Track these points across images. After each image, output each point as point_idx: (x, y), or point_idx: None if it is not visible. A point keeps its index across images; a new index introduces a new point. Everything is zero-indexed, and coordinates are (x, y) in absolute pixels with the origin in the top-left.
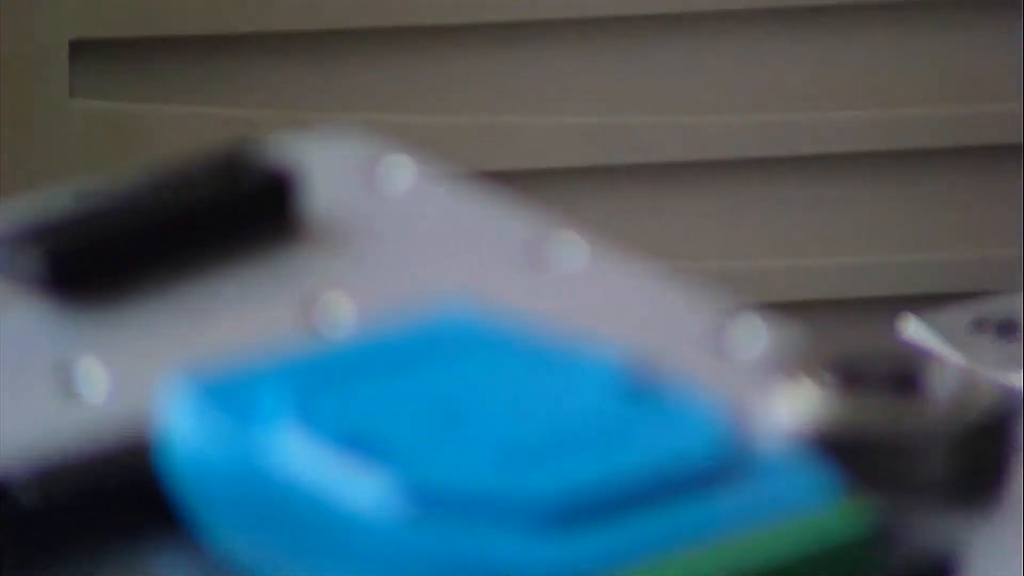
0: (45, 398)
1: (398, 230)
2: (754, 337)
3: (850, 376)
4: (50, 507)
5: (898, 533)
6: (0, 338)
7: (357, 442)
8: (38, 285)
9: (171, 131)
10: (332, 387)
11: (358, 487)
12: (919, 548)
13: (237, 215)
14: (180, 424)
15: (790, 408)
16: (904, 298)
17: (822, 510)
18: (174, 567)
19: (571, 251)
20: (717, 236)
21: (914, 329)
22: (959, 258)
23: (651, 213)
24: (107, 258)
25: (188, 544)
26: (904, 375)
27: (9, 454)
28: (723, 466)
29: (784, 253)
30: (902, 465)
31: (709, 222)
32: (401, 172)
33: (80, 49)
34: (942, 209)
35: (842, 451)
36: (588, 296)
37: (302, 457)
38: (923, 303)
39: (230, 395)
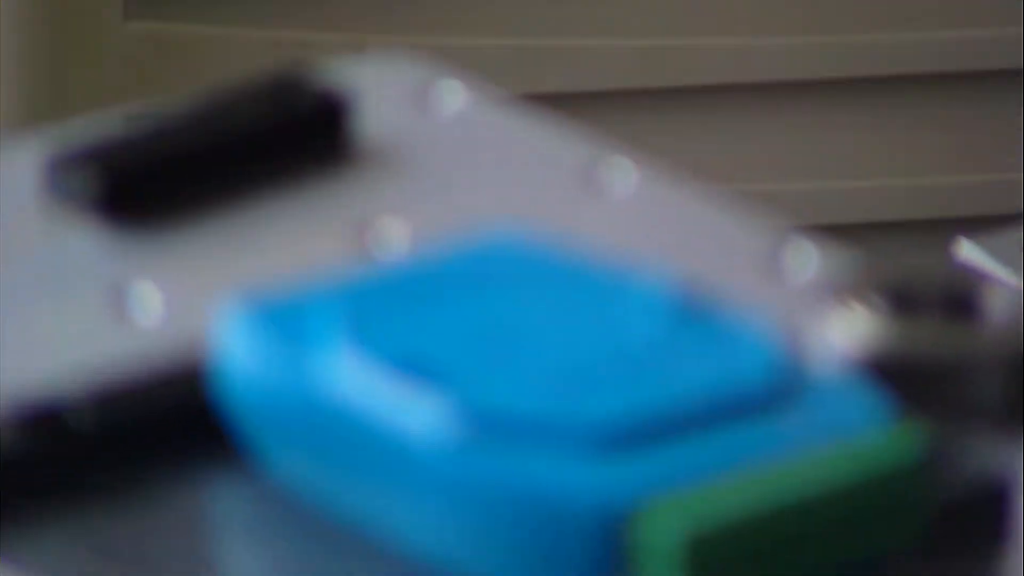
0: (99, 322)
1: (451, 154)
2: (807, 261)
3: (903, 300)
4: (104, 431)
5: (951, 457)
6: (55, 261)
7: (411, 366)
8: (93, 208)
9: (224, 53)
10: (386, 311)
11: (412, 410)
12: (973, 472)
13: (290, 139)
14: (234, 348)
15: (843, 333)
16: (957, 220)
17: (875, 434)
18: (228, 491)
19: (623, 175)
20: (766, 158)
21: (967, 251)
22: (1011, 179)
23: (701, 136)
24: (161, 181)
25: (241, 467)
26: (958, 298)
27: (64, 378)
28: (776, 390)
29: (834, 175)
30: (956, 389)
31: (758, 145)
32: (453, 96)
33: None
34: (992, 131)
35: (895, 376)
36: (641, 220)
37: (356, 380)
38: (976, 225)
39: (284, 319)
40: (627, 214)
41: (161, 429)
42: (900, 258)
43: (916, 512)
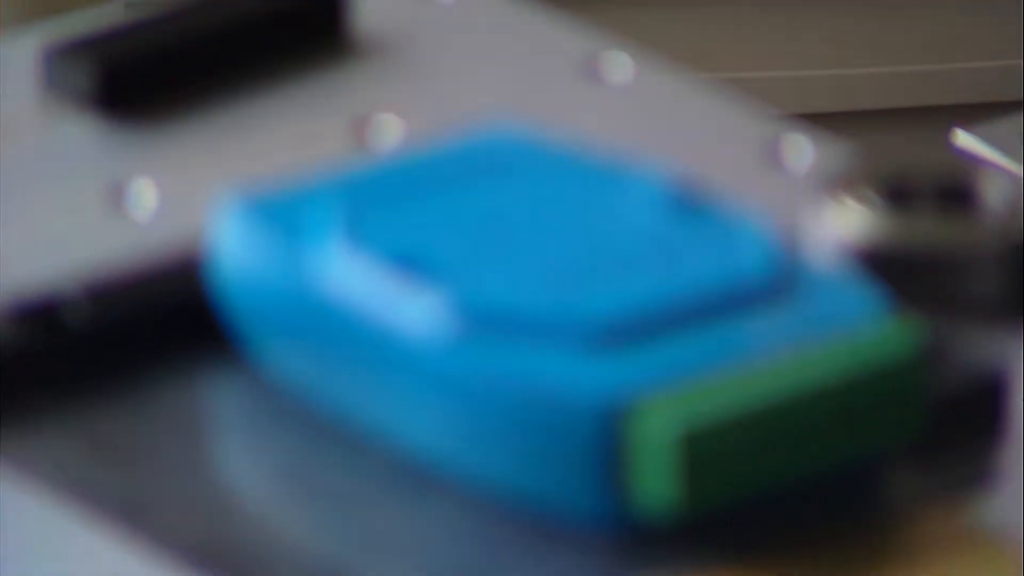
0: (96, 217)
1: (449, 45)
2: (803, 152)
3: (900, 192)
4: (100, 326)
5: (949, 352)
6: (52, 155)
7: (407, 261)
8: (90, 101)
9: None
10: (382, 205)
11: (407, 305)
12: (969, 365)
13: (288, 30)
14: (230, 242)
15: (839, 226)
16: (953, 108)
17: (872, 329)
18: (224, 387)
19: (621, 66)
20: (757, 46)
21: (964, 140)
22: (1008, 66)
23: (694, 22)
24: (158, 74)
25: (238, 363)
26: (955, 189)
27: (59, 273)
28: (773, 284)
29: (828, 63)
30: (953, 282)
31: (749, 31)
32: None
33: None
34: (988, 16)
35: (891, 269)
36: (639, 112)
37: (351, 275)
38: (972, 113)
39: (280, 213)
40: (625, 105)
41: (157, 325)
42: (896, 148)
43: (913, 408)
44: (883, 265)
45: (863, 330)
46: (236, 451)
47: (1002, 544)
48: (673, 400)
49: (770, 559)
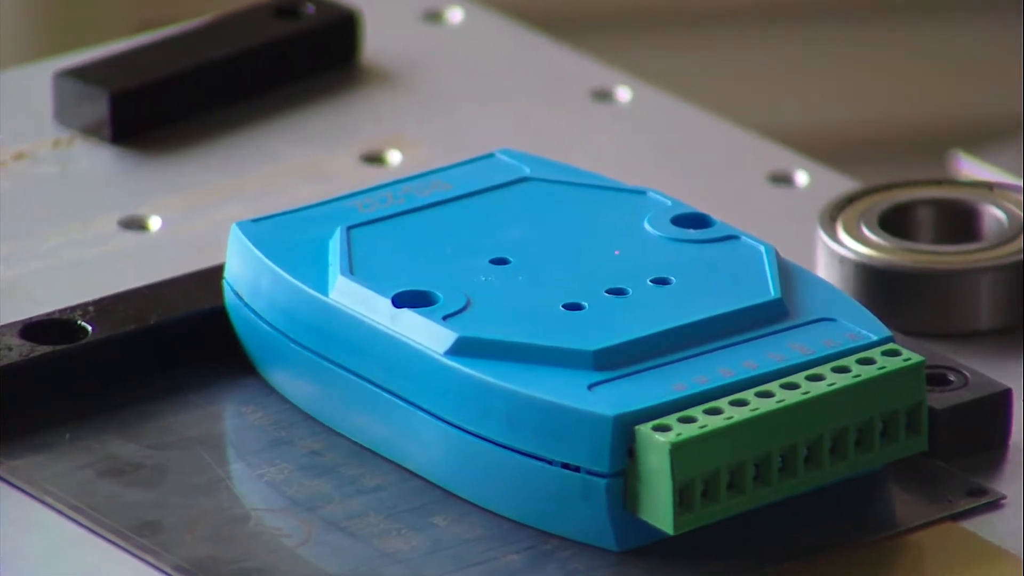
0: (110, 235)
1: (456, 71)
2: (805, 179)
3: (902, 213)
4: (114, 339)
5: (951, 368)
6: (66, 179)
7: (409, 289)
8: (103, 128)
9: None
10: (386, 232)
11: (409, 329)
12: (975, 382)
13: (297, 54)
14: (239, 266)
15: (842, 245)
16: (954, 135)
17: (873, 349)
18: (232, 404)
19: (626, 94)
20: (761, 70)
21: (966, 165)
22: (1008, 93)
23: (694, 48)
24: (170, 101)
25: (246, 382)
26: (955, 211)
27: (74, 295)
28: (773, 308)
29: (829, 92)
30: (955, 303)
31: (753, 57)
32: (459, 14)
33: None
34: (989, 47)
35: (893, 291)
36: (641, 135)
37: (356, 299)
38: (973, 140)
39: (287, 238)
40: (627, 130)
41: (168, 342)
42: (897, 174)
43: (914, 423)
44: (885, 287)
45: (865, 349)
46: (245, 467)
47: (1005, 555)
48: (672, 416)
49: (776, 571)
